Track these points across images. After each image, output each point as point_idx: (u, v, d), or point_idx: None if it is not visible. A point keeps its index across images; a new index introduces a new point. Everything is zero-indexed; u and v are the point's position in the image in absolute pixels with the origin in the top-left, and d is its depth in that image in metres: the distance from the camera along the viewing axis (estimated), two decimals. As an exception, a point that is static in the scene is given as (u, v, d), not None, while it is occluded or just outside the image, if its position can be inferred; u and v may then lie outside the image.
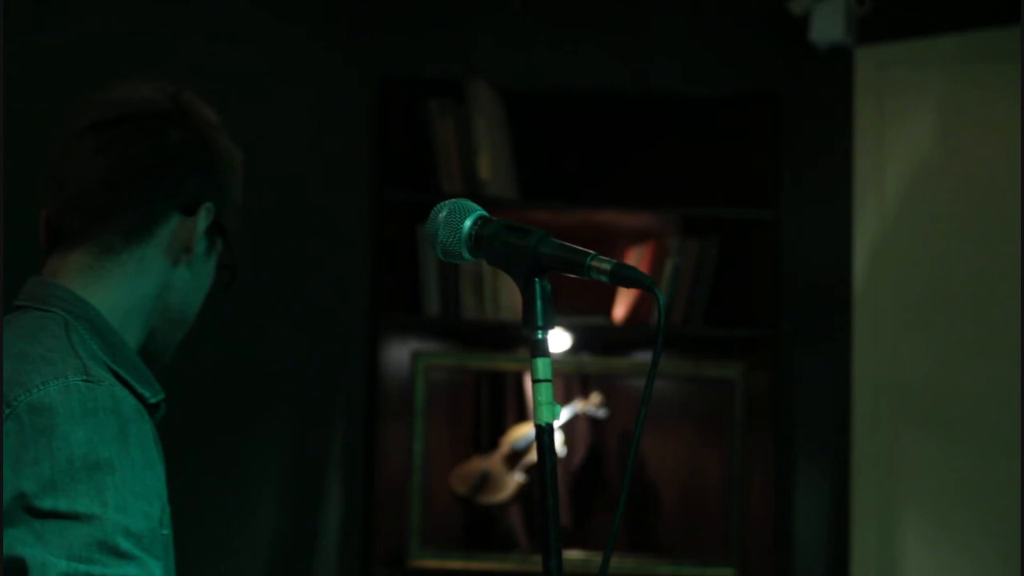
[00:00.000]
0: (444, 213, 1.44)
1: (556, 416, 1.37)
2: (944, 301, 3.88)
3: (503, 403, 4.16)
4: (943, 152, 3.90)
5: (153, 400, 1.58)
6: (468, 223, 1.42)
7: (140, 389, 1.55)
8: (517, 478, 3.99)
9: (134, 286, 1.63)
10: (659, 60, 4.07)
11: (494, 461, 4.03)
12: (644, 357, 4.12)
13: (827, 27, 3.87)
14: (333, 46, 3.97)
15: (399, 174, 3.95)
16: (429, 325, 3.98)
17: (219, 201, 1.67)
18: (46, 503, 1.36)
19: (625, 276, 1.35)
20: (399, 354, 3.93)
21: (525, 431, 4.04)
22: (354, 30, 4.00)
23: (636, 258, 4.08)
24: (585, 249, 1.39)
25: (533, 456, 4.00)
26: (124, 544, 1.38)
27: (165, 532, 1.51)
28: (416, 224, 3.92)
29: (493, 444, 4.07)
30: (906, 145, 3.94)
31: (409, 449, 3.80)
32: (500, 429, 4.10)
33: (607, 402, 4.10)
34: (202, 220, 1.65)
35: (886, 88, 3.96)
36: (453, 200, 1.45)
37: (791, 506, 3.97)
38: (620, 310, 4.04)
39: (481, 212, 1.43)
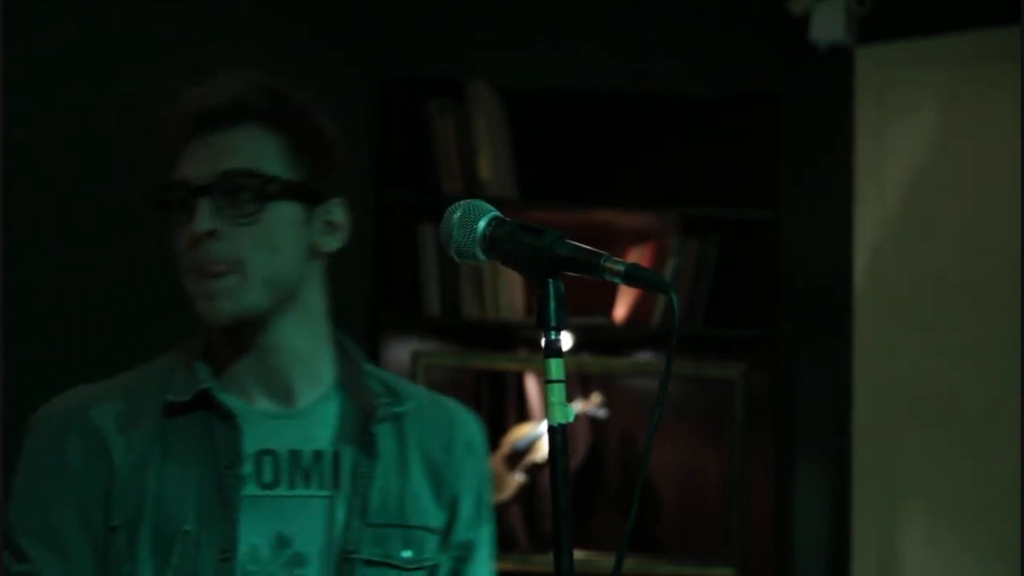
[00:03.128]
0: (459, 214, 1.44)
1: (569, 417, 1.36)
2: (945, 301, 3.88)
3: (503, 403, 4.16)
4: (943, 152, 3.90)
5: (175, 400, 1.69)
6: (483, 224, 1.43)
7: (167, 393, 1.70)
8: (518, 478, 3.99)
9: None
10: (659, 60, 4.07)
11: (495, 461, 4.02)
12: (644, 357, 4.12)
13: (827, 27, 3.87)
14: (333, 46, 3.97)
15: (399, 174, 3.95)
16: (429, 325, 3.98)
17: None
18: None
19: (639, 277, 1.35)
20: (399, 354, 3.93)
21: (525, 431, 4.04)
22: (354, 30, 4.00)
23: (636, 258, 4.08)
24: (599, 250, 1.38)
25: (534, 456, 4.00)
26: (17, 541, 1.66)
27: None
28: (416, 224, 3.92)
29: (494, 444, 4.07)
30: (906, 145, 3.94)
31: (409, 449, 3.80)
32: (500, 429, 4.10)
33: (607, 402, 4.10)
34: None
35: (886, 88, 3.96)
36: (467, 201, 1.45)
37: (791, 506, 3.97)
38: (620, 310, 4.04)
39: (495, 213, 1.43)
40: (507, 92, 4.01)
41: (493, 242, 1.42)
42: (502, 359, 4.03)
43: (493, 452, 4.04)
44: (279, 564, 1.66)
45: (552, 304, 1.38)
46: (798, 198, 4.01)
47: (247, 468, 1.67)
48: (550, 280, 1.38)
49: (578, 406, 4.06)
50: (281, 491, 1.67)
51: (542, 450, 3.99)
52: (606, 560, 3.91)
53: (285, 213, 1.68)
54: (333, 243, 1.79)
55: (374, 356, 3.86)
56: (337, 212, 1.78)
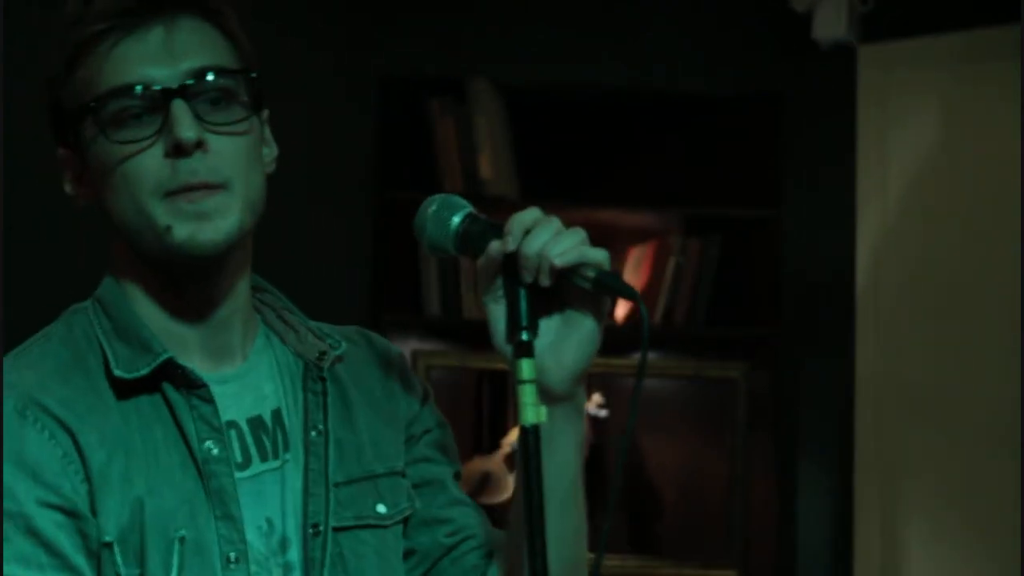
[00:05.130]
0: (433, 208, 1.42)
1: (542, 417, 1.34)
2: (946, 300, 3.87)
3: (504, 403, 4.15)
4: (945, 151, 3.89)
5: (127, 376, 1.36)
6: (457, 219, 1.41)
7: (112, 368, 1.37)
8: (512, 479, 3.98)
9: None
10: (660, 59, 4.06)
11: (495, 461, 4.02)
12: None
13: (829, 25, 3.86)
14: (333, 46, 3.96)
15: (400, 173, 3.95)
16: (429, 325, 3.97)
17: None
18: None
19: (607, 285, 1.34)
20: (399, 354, 3.92)
21: (526, 431, 4.03)
22: (354, 30, 3.99)
23: (638, 258, 4.08)
24: None
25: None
26: None
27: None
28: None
29: (494, 444, 4.06)
30: (908, 143, 3.93)
31: (410, 450, 3.79)
32: (501, 429, 4.09)
33: (607, 402, 4.09)
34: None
35: (889, 87, 3.95)
36: (442, 196, 1.44)
37: (793, 506, 3.96)
38: (620, 310, 4.04)
39: (469, 209, 1.43)
40: (508, 91, 4.00)
41: (465, 238, 1.40)
42: (502, 359, 4.02)
43: (493, 453, 4.04)
44: (271, 554, 1.39)
45: (523, 304, 1.37)
46: (800, 197, 4.00)
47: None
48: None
49: (579, 406, 4.05)
50: (255, 468, 1.40)
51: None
52: (607, 560, 3.90)
53: (257, 122, 1.42)
54: (271, 164, 1.49)
55: (374, 356, 3.85)
56: (267, 126, 1.49)
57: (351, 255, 3.91)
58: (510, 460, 4.00)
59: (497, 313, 1.42)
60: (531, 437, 1.34)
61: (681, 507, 4.12)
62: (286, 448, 1.42)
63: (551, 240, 1.35)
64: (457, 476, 1.57)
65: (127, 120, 1.34)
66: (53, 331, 1.41)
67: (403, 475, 1.51)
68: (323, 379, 1.46)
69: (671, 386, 4.10)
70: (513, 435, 4.05)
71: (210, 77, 1.35)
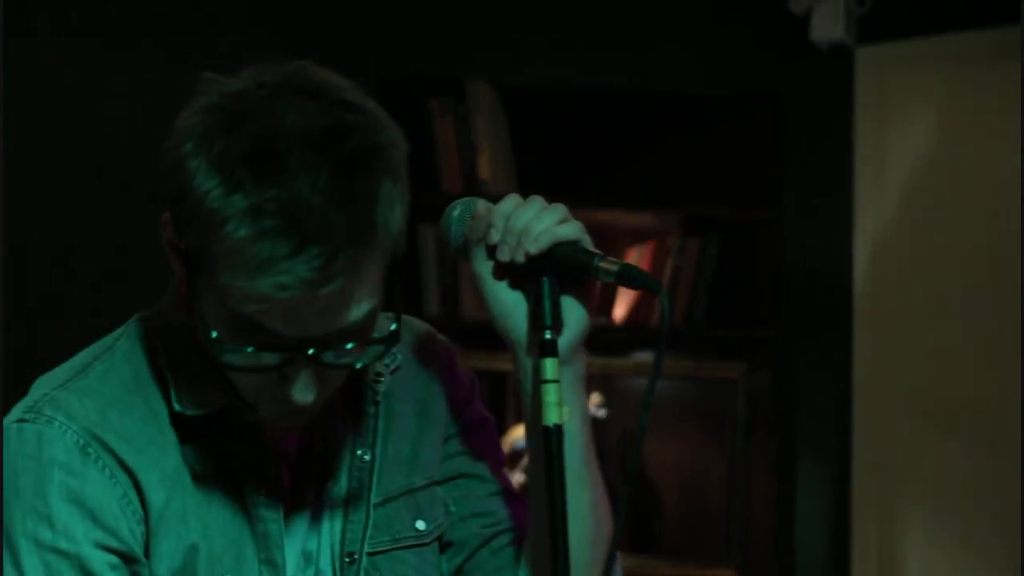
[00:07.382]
0: (458, 211, 1.41)
1: (564, 417, 1.33)
2: (945, 300, 3.87)
3: (503, 403, 4.15)
4: (943, 151, 3.90)
5: (189, 414, 1.32)
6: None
7: (174, 401, 1.33)
8: (518, 478, 3.99)
9: None
10: (659, 60, 4.07)
11: (495, 461, 4.02)
12: (644, 357, 4.11)
13: (827, 26, 3.87)
14: (333, 46, 3.97)
15: (399, 174, 3.95)
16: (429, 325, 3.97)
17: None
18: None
19: (632, 277, 1.33)
20: (399, 354, 3.92)
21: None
22: (354, 30, 4.00)
23: (636, 258, 4.08)
24: (593, 250, 1.36)
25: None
26: None
27: None
28: (416, 223, 3.92)
29: (493, 444, 4.07)
30: (906, 144, 3.94)
31: (409, 449, 3.80)
32: (500, 429, 4.09)
33: (607, 402, 4.09)
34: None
35: (886, 88, 3.96)
36: (468, 198, 1.42)
37: (792, 506, 3.96)
38: (620, 310, 4.04)
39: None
40: (507, 91, 4.01)
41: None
42: (502, 359, 4.01)
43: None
44: None
45: (547, 303, 1.35)
46: (798, 198, 4.01)
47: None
48: (545, 279, 1.36)
49: (578, 406, 4.06)
50: (300, 498, 1.38)
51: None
52: (607, 560, 3.90)
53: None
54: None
55: (374, 356, 3.86)
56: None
57: (351, 255, 3.92)
58: (509, 459, 4.01)
59: (497, 290, 1.41)
60: (554, 438, 1.31)
61: (681, 507, 4.13)
62: (329, 475, 1.39)
63: (529, 223, 1.34)
64: (500, 464, 1.52)
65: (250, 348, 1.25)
66: (117, 346, 1.37)
67: (439, 484, 1.47)
68: (377, 402, 1.42)
69: (671, 386, 4.10)
70: (512, 434, 4.05)
71: (348, 344, 1.29)
